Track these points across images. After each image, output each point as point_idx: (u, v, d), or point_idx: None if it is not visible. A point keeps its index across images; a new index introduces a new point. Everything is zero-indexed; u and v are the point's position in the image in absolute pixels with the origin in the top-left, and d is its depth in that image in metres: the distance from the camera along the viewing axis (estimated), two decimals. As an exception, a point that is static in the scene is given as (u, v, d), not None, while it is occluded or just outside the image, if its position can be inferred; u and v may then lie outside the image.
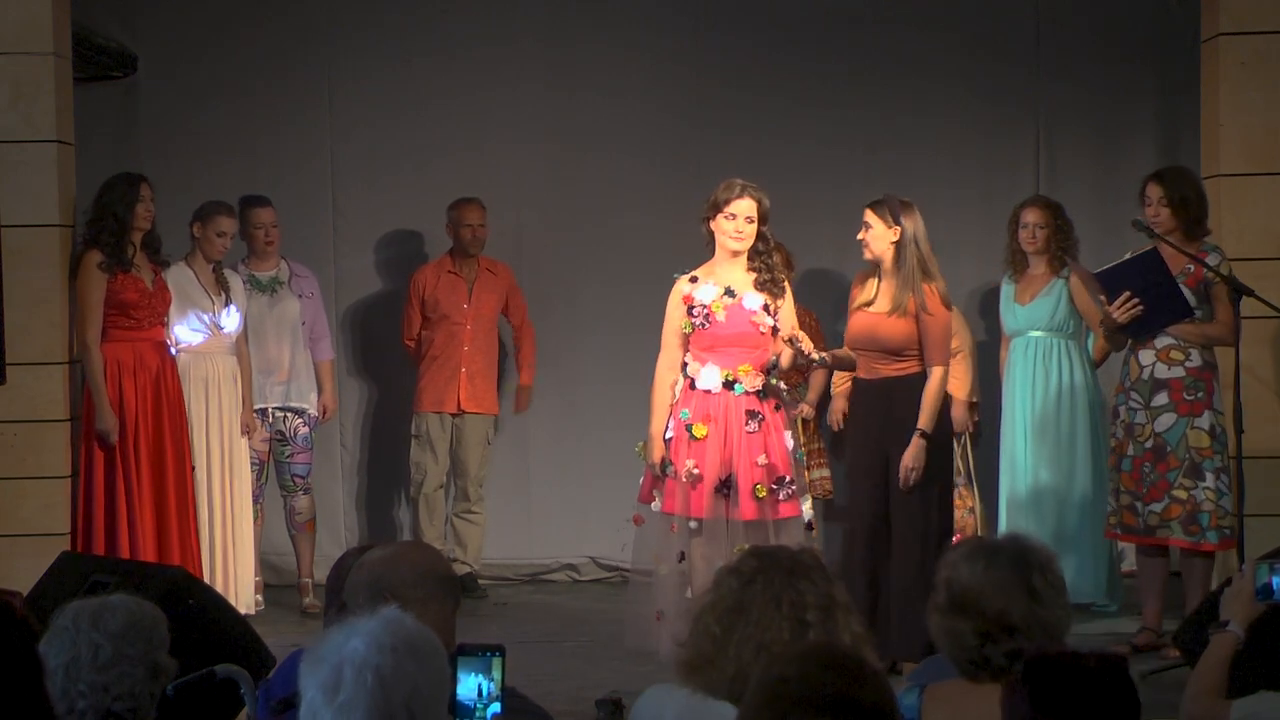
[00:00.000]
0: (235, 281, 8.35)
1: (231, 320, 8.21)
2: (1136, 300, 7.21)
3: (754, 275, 7.28)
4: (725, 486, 7.13)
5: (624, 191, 9.39)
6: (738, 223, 7.22)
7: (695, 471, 7.15)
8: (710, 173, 9.37)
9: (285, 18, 9.43)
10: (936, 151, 9.37)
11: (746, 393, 7.21)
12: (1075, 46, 9.35)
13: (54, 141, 7.61)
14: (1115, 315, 7.27)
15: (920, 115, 9.36)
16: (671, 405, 7.27)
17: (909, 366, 7.09)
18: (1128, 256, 7.47)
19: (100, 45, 8.92)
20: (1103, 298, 7.34)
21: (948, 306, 7.17)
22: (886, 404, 7.11)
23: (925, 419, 7.02)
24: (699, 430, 7.18)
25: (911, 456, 6.99)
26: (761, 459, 7.14)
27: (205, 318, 8.15)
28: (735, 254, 7.27)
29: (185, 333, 8.11)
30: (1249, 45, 7.68)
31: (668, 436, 7.26)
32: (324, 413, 8.79)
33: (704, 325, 7.23)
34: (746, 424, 7.17)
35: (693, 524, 7.18)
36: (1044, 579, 3.43)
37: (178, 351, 8.05)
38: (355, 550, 4.29)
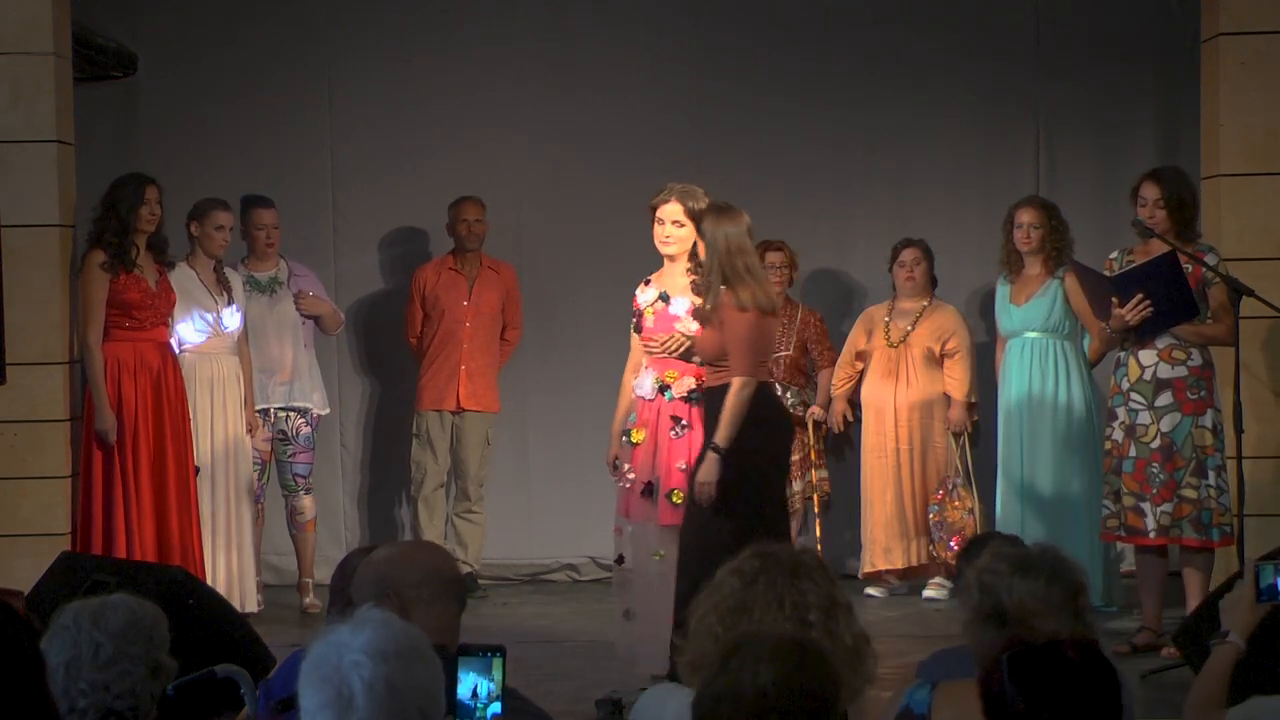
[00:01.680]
0: (236, 280, 8.35)
1: (234, 319, 8.21)
2: (1148, 302, 7.22)
3: (693, 279, 7.17)
4: (649, 491, 7.09)
5: (624, 191, 9.36)
6: (665, 227, 7.09)
7: (630, 475, 7.14)
8: (710, 172, 9.38)
9: (285, 18, 9.43)
10: (936, 151, 9.37)
11: (675, 398, 7.15)
12: (1075, 46, 9.36)
13: (54, 141, 7.61)
14: (1127, 317, 7.27)
15: (920, 115, 9.36)
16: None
17: (724, 376, 6.78)
18: (1112, 256, 7.51)
19: (100, 45, 8.92)
20: (1115, 300, 7.34)
21: (744, 310, 6.70)
22: (706, 414, 6.88)
23: (719, 432, 6.67)
24: (636, 435, 7.14)
25: (702, 470, 6.67)
26: (681, 465, 7.05)
27: (208, 317, 8.15)
28: (670, 258, 7.17)
29: (189, 333, 8.11)
30: (1249, 45, 7.68)
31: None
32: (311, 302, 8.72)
33: (638, 330, 7.21)
34: (671, 429, 7.11)
35: (629, 527, 7.18)
36: (1085, 596, 3.47)
37: (182, 351, 8.05)
38: (360, 550, 4.29)
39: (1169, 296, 7.22)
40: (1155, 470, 7.31)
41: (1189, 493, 7.28)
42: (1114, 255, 7.60)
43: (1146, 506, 7.33)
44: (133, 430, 7.68)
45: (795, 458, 8.92)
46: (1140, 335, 7.34)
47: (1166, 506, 7.30)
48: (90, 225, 7.74)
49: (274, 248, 8.65)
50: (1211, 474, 7.29)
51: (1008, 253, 8.23)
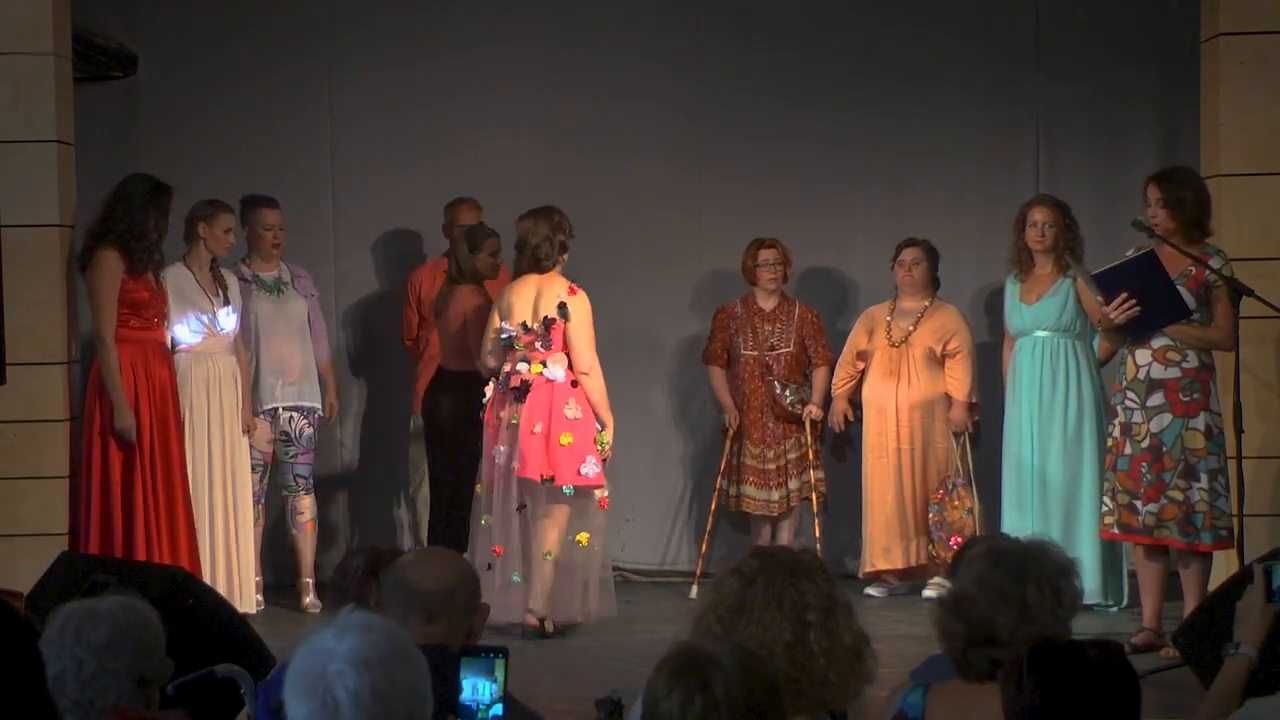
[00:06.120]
0: (231, 281, 8.33)
1: (229, 320, 8.20)
2: (1134, 301, 7.22)
3: None
4: None
5: (624, 191, 9.39)
6: None
7: None
8: (710, 172, 9.41)
9: (285, 18, 9.43)
10: (936, 151, 9.37)
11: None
12: (1075, 46, 9.35)
13: (54, 141, 7.61)
14: (1112, 315, 7.27)
15: (920, 115, 9.36)
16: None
17: None
18: (1128, 255, 7.48)
19: (100, 45, 8.92)
20: (1100, 298, 7.34)
21: None
22: None
23: None
24: None
25: None
26: None
27: (204, 318, 8.14)
28: None
29: (185, 333, 8.10)
30: (1249, 45, 7.69)
31: None
32: (331, 413, 8.76)
33: None
34: None
35: None
36: (1041, 592, 3.39)
37: (177, 352, 8.05)
38: (359, 550, 4.29)
39: (1154, 295, 7.19)
40: (1144, 470, 7.31)
41: (1175, 494, 7.26)
42: (1130, 254, 7.57)
43: (1139, 504, 7.33)
44: (147, 430, 7.67)
45: (792, 457, 8.93)
46: (1133, 334, 7.34)
47: (1153, 506, 7.29)
48: (96, 224, 7.72)
49: (279, 249, 8.64)
50: (1204, 477, 7.25)
51: (1017, 251, 8.18)
